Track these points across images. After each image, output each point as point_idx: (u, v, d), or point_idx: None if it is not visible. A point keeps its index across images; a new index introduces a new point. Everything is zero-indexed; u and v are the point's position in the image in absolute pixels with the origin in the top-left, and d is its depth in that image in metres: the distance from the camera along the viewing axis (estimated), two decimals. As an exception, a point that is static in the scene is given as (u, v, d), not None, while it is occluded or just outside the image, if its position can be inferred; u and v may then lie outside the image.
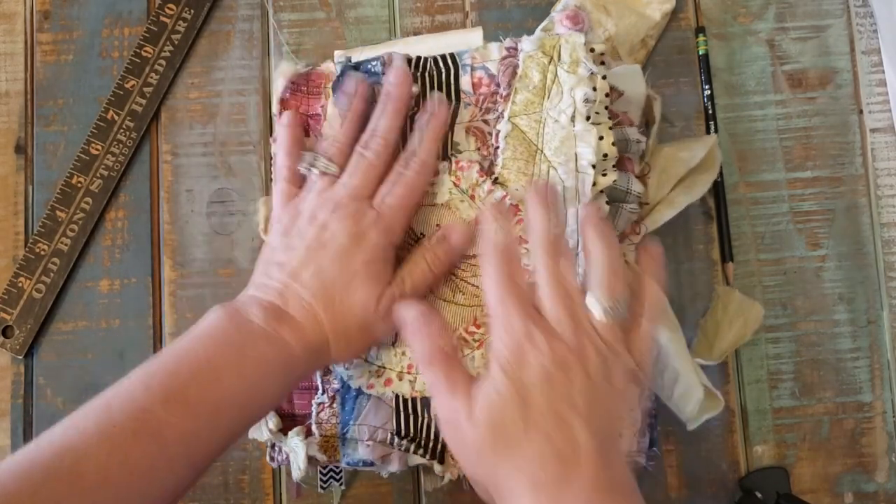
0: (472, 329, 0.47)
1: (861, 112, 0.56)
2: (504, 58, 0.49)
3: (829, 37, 0.56)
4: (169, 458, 0.38)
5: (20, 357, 0.54)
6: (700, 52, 0.56)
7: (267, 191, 0.55)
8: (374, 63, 0.50)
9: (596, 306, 0.39)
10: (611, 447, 0.37)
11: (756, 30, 0.56)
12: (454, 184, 0.48)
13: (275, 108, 0.53)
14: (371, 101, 0.49)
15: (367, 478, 0.52)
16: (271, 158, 0.53)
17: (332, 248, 0.44)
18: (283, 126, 0.50)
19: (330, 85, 0.51)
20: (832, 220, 0.55)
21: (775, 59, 0.56)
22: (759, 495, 0.51)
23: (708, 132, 0.55)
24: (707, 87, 0.55)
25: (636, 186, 0.48)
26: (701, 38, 0.56)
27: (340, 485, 0.51)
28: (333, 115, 0.50)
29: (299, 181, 0.48)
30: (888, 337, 0.54)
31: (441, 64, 0.50)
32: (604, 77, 0.47)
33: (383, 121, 0.47)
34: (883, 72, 0.56)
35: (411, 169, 0.46)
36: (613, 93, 0.49)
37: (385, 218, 0.45)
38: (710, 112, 0.55)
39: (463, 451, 0.40)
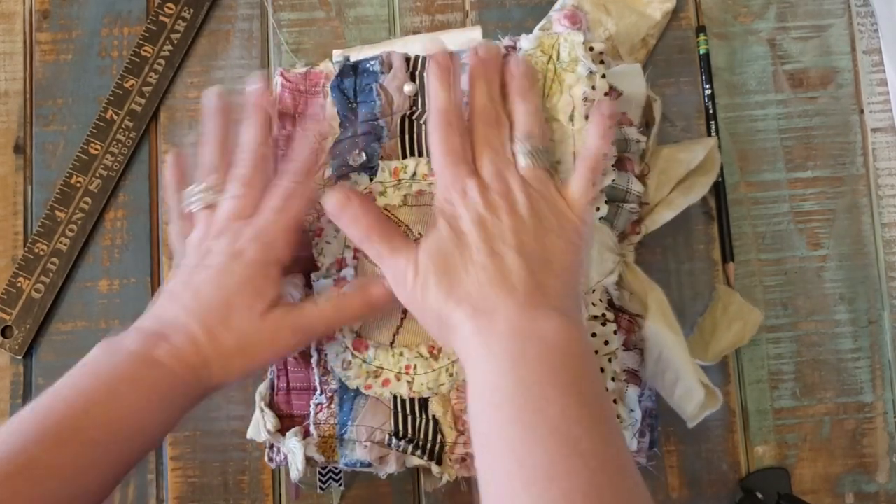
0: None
1: (862, 112, 0.56)
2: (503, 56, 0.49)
3: (830, 36, 0.56)
4: (50, 499, 0.37)
5: (19, 357, 0.54)
6: (701, 52, 0.56)
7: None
8: (372, 62, 0.50)
9: (519, 154, 0.44)
10: (545, 274, 0.41)
11: (757, 29, 0.56)
12: None
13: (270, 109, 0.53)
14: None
15: (367, 478, 0.52)
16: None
17: (211, 268, 0.43)
18: (168, 166, 0.49)
19: (329, 84, 0.51)
20: (833, 220, 0.54)
21: (776, 59, 0.56)
22: (759, 496, 0.51)
23: (709, 132, 0.55)
24: (708, 86, 0.55)
25: (636, 186, 0.48)
26: (702, 37, 0.56)
27: (340, 486, 0.51)
28: (333, 115, 0.50)
29: (191, 217, 0.47)
30: (889, 337, 0.53)
31: None
32: (603, 76, 0.47)
33: (249, 133, 0.46)
34: (884, 71, 0.56)
35: (286, 178, 0.45)
36: (613, 92, 0.49)
37: (265, 233, 0.44)
38: (711, 112, 0.55)
39: (413, 299, 0.43)
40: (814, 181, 0.55)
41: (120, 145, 0.55)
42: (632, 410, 0.47)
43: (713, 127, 0.55)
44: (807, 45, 0.56)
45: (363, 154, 0.49)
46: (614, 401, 0.46)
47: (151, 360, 0.41)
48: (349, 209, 0.44)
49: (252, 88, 0.48)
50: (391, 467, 0.47)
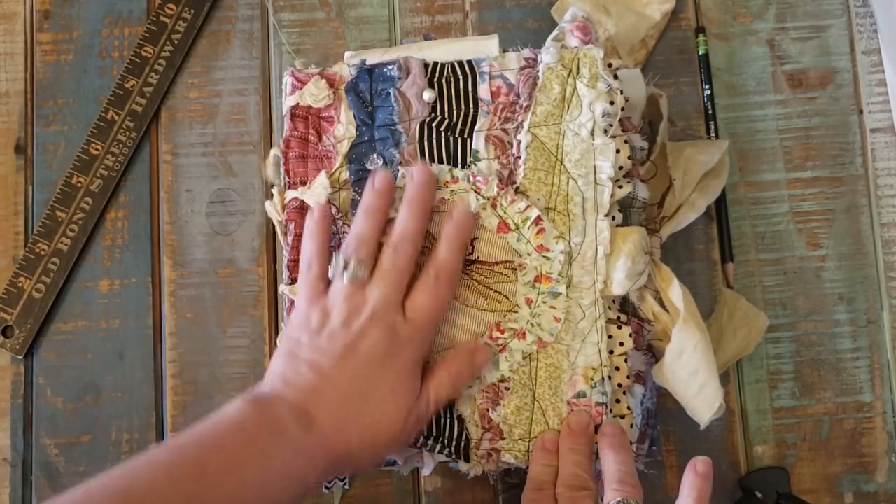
0: (496, 334, 0.47)
1: (861, 112, 0.56)
2: (523, 68, 0.49)
3: (830, 37, 0.56)
4: None
5: (20, 357, 0.54)
6: (700, 52, 0.56)
7: (266, 192, 0.55)
8: (390, 67, 0.50)
9: None
10: None
11: (756, 30, 0.56)
12: (475, 191, 0.48)
13: (284, 109, 0.52)
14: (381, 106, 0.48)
15: (367, 477, 0.52)
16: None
17: (368, 357, 0.43)
18: (315, 221, 0.48)
19: (343, 87, 0.51)
20: (832, 220, 0.55)
21: (775, 59, 0.56)
22: (759, 495, 0.51)
23: (708, 132, 0.55)
24: (707, 87, 0.55)
25: (642, 192, 0.49)
26: (701, 37, 0.56)
27: (344, 485, 0.51)
28: (349, 119, 0.50)
29: (327, 278, 0.47)
30: (888, 337, 0.54)
31: (458, 71, 0.50)
32: (620, 92, 0.48)
33: (411, 223, 0.46)
34: (883, 72, 0.56)
35: (443, 283, 0.46)
36: (622, 98, 0.50)
37: (419, 332, 0.45)
38: (711, 112, 0.55)
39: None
40: (813, 181, 0.55)
41: (121, 145, 0.55)
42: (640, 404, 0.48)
43: (712, 127, 0.55)
44: (806, 46, 0.56)
45: (381, 159, 0.50)
46: (623, 392, 0.47)
47: (306, 452, 0.41)
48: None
49: (420, 179, 0.47)
50: (427, 468, 0.48)
